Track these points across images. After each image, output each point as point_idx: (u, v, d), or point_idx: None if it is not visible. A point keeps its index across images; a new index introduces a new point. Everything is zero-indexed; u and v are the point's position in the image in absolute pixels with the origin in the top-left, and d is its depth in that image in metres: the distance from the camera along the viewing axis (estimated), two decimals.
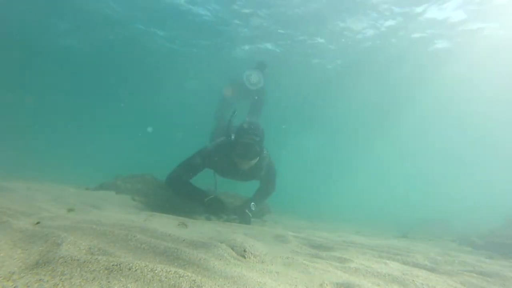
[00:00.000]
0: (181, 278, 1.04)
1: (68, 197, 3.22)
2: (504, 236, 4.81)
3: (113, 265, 1.05)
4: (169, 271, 1.07)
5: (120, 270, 1.04)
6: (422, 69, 11.76)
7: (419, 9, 8.60)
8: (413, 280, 1.49)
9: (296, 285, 1.24)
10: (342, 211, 12.68)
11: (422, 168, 28.57)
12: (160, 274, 1.05)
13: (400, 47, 10.39)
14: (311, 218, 7.58)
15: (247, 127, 3.55)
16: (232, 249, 1.64)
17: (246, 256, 1.59)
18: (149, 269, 1.07)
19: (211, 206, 3.49)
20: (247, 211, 3.88)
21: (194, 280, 1.04)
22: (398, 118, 17.45)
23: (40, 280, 0.92)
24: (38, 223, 1.60)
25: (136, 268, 1.06)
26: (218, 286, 1.06)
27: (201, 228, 2.46)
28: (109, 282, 0.97)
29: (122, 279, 1.00)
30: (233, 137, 3.66)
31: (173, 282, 1.02)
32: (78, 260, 1.05)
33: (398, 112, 16.36)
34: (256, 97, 6.51)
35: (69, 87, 18.39)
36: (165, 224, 2.37)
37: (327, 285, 1.29)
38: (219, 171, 3.93)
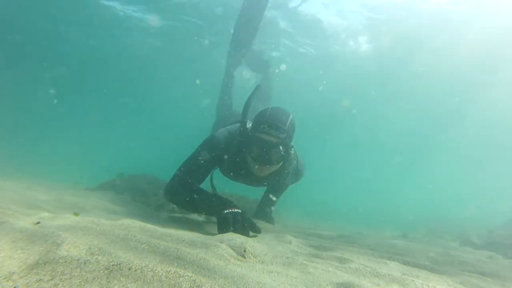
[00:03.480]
0: (181, 278, 1.04)
1: (68, 196, 3.22)
2: (504, 236, 4.81)
3: (113, 265, 1.05)
4: (169, 271, 1.07)
5: (120, 270, 1.04)
6: None
7: None
8: (413, 280, 1.49)
9: (296, 285, 1.24)
10: (343, 211, 12.68)
11: (429, 168, 28.39)
12: (160, 274, 1.05)
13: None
14: (312, 218, 7.58)
15: (270, 115, 2.44)
16: (232, 249, 1.64)
17: (246, 256, 1.59)
18: (149, 269, 1.07)
19: (229, 222, 2.23)
20: (267, 211, 3.69)
21: (194, 280, 1.04)
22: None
23: (40, 280, 0.92)
24: (38, 223, 1.60)
25: (136, 268, 1.06)
26: (218, 286, 1.06)
27: (201, 228, 2.46)
28: (109, 282, 0.97)
29: (122, 279, 1.00)
30: (249, 125, 2.63)
31: (173, 282, 1.02)
32: (78, 260, 1.05)
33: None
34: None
35: (69, 84, 18.38)
36: (165, 224, 2.37)
37: (327, 285, 1.29)
38: (224, 171, 2.93)
